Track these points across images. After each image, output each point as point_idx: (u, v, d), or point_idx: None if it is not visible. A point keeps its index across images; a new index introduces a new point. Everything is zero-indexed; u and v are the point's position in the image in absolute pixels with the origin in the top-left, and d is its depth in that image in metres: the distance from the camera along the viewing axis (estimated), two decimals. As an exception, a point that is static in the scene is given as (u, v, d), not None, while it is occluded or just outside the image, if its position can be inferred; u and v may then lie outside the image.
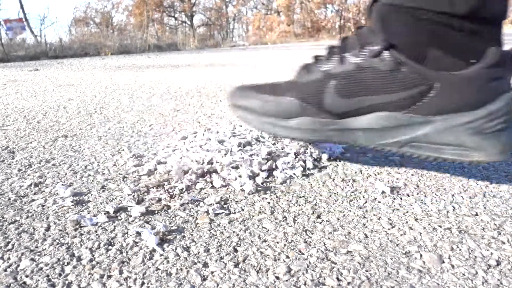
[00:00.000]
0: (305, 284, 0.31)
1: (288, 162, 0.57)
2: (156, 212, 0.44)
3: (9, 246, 0.37)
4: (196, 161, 0.57)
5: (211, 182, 0.51)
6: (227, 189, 0.50)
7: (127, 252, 0.36)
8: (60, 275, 0.33)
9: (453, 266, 0.33)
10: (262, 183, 0.51)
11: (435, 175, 0.54)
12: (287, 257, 0.35)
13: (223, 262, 0.34)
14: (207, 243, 0.37)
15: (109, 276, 0.32)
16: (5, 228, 0.41)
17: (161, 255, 0.35)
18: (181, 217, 0.43)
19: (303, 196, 0.48)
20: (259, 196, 0.48)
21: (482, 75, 0.45)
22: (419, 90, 0.47)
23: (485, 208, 0.44)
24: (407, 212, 0.43)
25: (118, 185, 0.52)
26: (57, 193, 0.49)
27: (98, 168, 0.58)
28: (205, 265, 0.34)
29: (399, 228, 0.40)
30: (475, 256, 0.35)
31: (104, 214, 0.43)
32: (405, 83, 0.47)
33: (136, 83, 1.65)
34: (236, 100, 0.58)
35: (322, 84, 0.51)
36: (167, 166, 0.56)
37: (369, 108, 0.49)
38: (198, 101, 1.16)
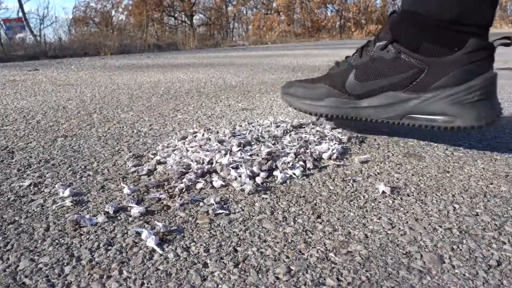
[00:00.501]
0: (305, 284, 0.31)
1: (288, 162, 0.56)
2: (156, 212, 0.44)
3: (8, 247, 0.37)
4: (196, 161, 0.57)
5: (211, 182, 0.51)
6: (227, 189, 0.50)
7: (126, 252, 0.36)
8: (59, 275, 0.33)
9: (453, 267, 0.33)
10: (262, 183, 0.51)
11: (435, 175, 0.54)
12: (287, 257, 0.35)
13: (223, 262, 0.34)
14: (207, 243, 0.37)
15: (109, 277, 0.32)
16: (4, 229, 0.41)
17: (161, 255, 0.35)
18: (181, 217, 0.43)
19: (303, 196, 0.48)
20: (259, 196, 0.48)
21: (463, 59, 0.58)
22: (413, 72, 0.61)
23: (485, 208, 0.44)
24: (407, 212, 0.43)
25: (117, 185, 0.52)
26: (57, 193, 0.49)
27: (98, 168, 0.58)
28: (205, 265, 0.34)
29: (399, 228, 0.40)
30: (476, 257, 0.35)
31: (104, 214, 0.43)
32: (404, 67, 0.62)
33: (136, 83, 1.65)
34: (285, 89, 0.77)
35: (346, 73, 0.68)
36: (167, 166, 0.56)
37: (379, 89, 0.65)
38: (198, 101, 1.16)
